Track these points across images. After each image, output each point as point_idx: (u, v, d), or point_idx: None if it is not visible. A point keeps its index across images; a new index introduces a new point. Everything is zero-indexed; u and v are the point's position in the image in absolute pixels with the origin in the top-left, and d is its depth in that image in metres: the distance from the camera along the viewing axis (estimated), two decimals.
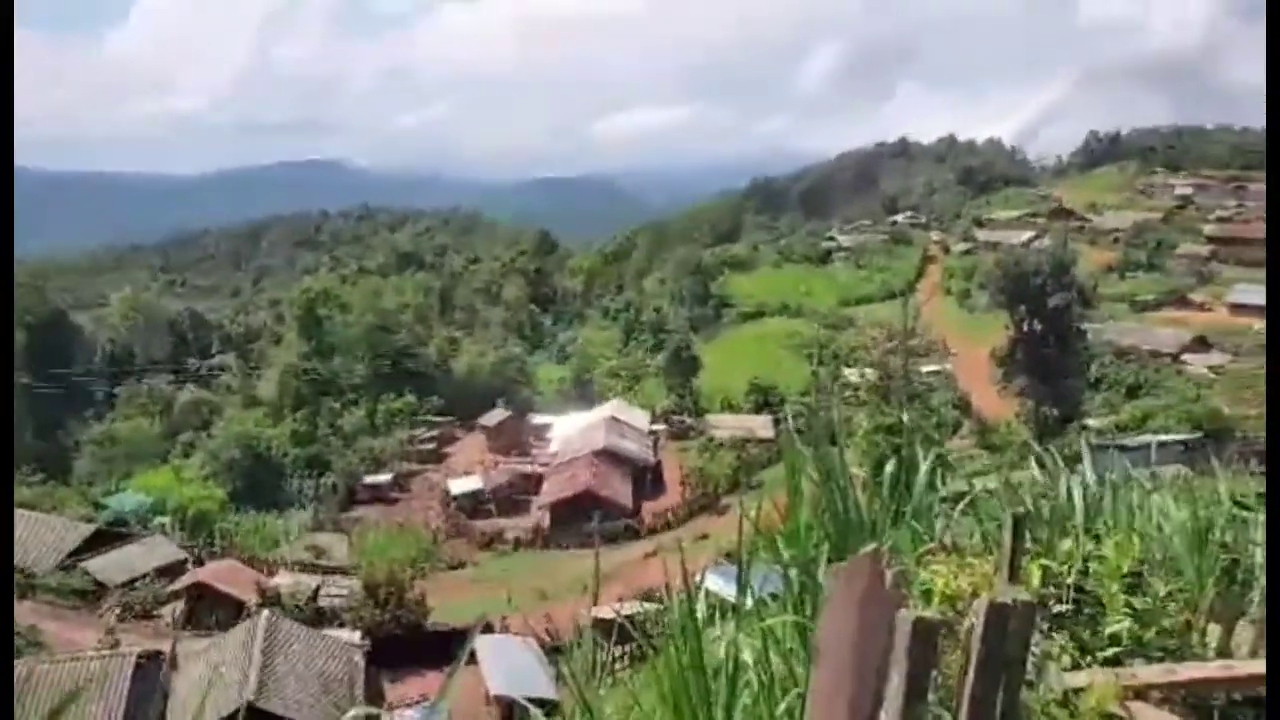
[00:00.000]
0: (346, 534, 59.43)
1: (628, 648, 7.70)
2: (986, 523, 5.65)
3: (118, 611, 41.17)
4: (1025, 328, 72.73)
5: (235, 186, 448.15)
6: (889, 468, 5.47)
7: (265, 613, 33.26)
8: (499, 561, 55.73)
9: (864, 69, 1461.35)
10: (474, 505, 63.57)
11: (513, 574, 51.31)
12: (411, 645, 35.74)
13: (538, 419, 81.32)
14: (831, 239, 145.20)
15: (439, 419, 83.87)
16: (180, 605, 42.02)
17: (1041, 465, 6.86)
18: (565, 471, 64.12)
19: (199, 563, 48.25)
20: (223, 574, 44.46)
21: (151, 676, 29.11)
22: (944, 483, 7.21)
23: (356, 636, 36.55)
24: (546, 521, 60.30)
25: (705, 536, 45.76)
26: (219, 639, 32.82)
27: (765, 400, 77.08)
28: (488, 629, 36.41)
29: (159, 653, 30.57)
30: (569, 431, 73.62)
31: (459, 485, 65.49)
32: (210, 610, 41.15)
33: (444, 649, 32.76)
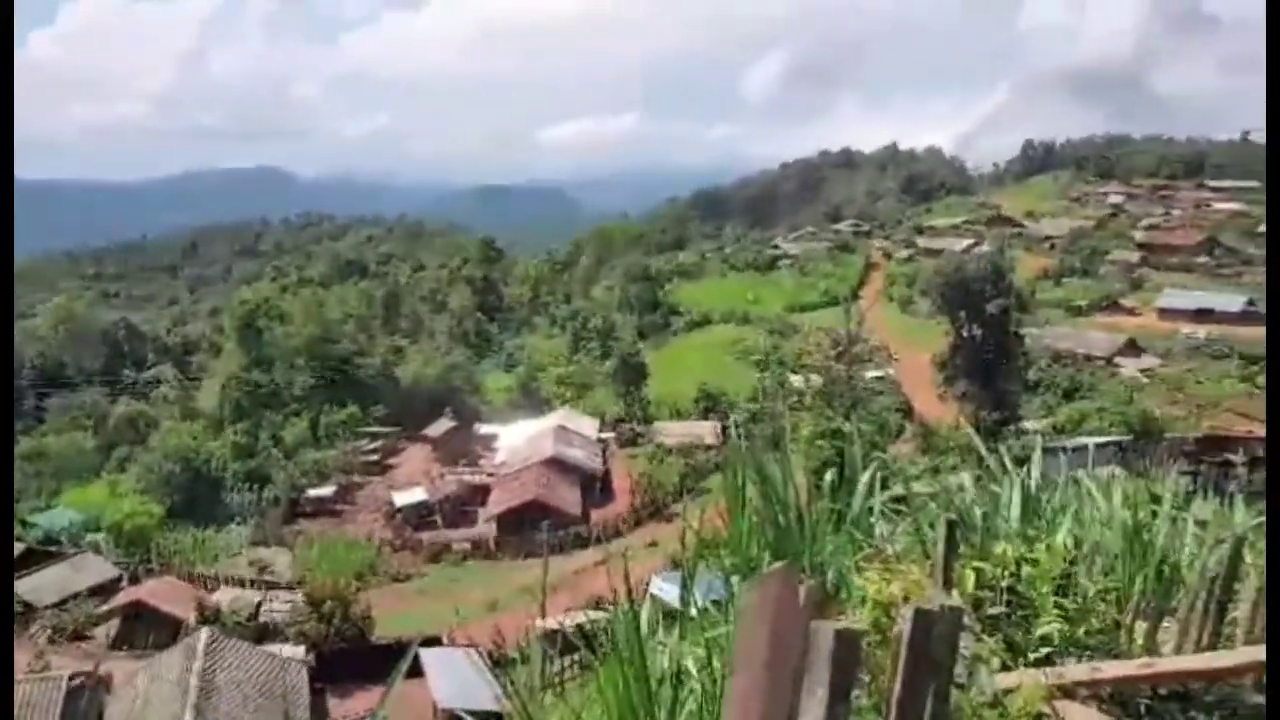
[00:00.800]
0: (289, 548, 58.33)
1: (577, 657, 7.67)
2: (926, 527, 5.75)
3: (48, 633, 39.88)
4: (965, 333, 74.24)
5: (174, 194, 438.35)
6: (829, 475, 5.54)
7: (205, 630, 32.48)
8: (446, 573, 55.14)
9: (809, 78, 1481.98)
10: (420, 517, 62.79)
11: (460, 585, 50.85)
12: (357, 659, 35.18)
13: (484, 428, 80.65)
14: (777, 247, 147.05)
15: (383, 430, 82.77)
16: (115, 625, 40.83)
17: (985, 468, 7.01)
18: (513, 481, 63.69)
19: (135, 581, 46.94)
20: (160, 592, 43.31)
21: (85, 700, 28.22)
22: (886, 487, 7.34)
23: (300, 651, 35.91)
24: (494, 532, 59.82)
25: (654, 544, 45.82)
26: (156, 659, 31.93)
27: (713, 407, 77.49)
28: (434, 641, 36.04)
29: (91, 674, 29.65)
30: (516, 441, 73.19)
31: (404, 497, 64.63)
32: (147, 630, 40.07)
33: (390, 663, 32.27)
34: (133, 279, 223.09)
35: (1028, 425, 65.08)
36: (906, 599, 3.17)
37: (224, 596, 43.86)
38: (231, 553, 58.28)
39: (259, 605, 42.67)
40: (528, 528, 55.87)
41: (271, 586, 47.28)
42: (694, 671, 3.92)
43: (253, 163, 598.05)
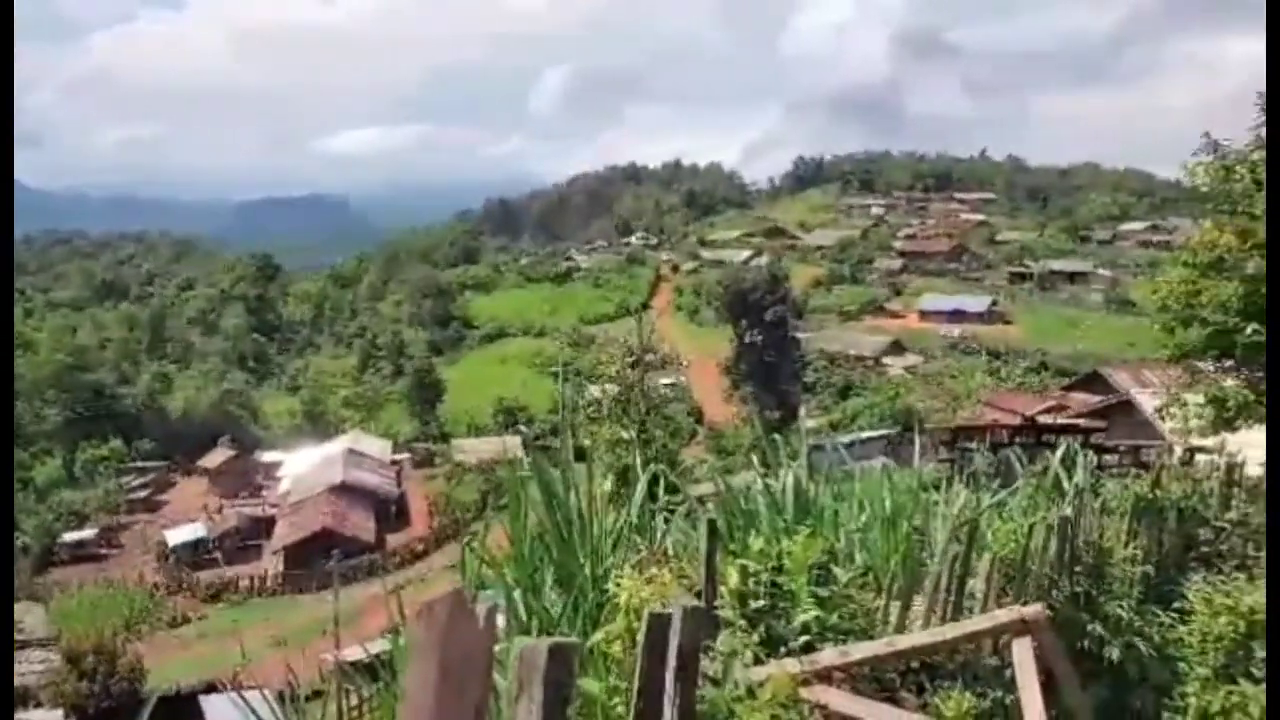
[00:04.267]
0: (42, 601, 52.60)
1: (378, 687, 7.42)
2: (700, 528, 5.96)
3: None
4: (747, 339, 78.10)
5: None
6: (607, 484, 5.65)
7: None
8: (228, 613, 51.55)
9: (594, 95, 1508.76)
10: (197, 555, 58.46)
11: (244, 625, 47.62)
12: (127, 717, 32.20)
13: (266, 456, 76.28)
14: (570, 259, 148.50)
15: (151, 464, 76.65)
16: None
17: (766, 466, 7.37)
18: (299, 511, 60.51)
19: None
20: None
21: None
22: (676, 491, 7.57)
23: (58, 716, 32.41)
24: (281, 566, 56.57)
25: (453, 566, 44.90)
26: None
27: (514, 420, 77.00)
28: (211, 688, 33.59)
29: None
30: (302, 468, 69.57)
31: (177, 535, 59.92)
32: None
33: (167, 716, 29.79)
34: None
35: (808, 424, 69.06)
36: (663, 603, 3.27)
37: None
38: None
39: None
40: (318, 559, 53.24)
41: (21, 646, 42.39)
42: None
43: None
